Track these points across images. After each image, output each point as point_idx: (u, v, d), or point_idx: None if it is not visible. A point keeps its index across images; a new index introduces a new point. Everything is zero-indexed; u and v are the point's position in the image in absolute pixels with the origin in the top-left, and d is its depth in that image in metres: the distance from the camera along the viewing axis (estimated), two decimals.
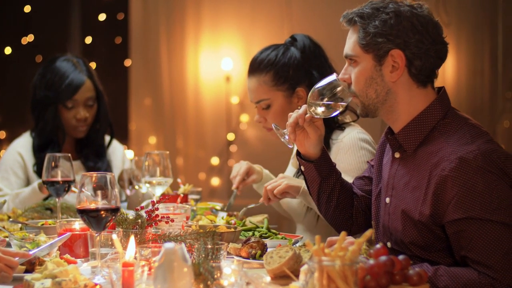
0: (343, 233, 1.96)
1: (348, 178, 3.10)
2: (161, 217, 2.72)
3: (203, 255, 2.34)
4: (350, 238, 2.63)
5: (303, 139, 2.83)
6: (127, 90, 6.93)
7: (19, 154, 4.25)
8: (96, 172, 2.42)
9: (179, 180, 4.03)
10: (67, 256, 2.61)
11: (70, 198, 3.79)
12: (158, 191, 3.50)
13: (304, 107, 2.75)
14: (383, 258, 1.96)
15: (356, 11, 2.53)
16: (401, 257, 2.00)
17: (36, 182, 3.90)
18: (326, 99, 2.66)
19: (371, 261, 1.96)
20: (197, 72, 6.84)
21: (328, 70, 3.47)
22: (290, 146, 2.92)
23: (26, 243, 2.71)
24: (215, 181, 6.92)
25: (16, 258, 2.41)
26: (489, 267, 2.28)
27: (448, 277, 2.31)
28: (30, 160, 4.24)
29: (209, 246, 2.40)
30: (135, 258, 2.21)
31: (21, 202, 3.82)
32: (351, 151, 3.35)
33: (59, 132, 4.27)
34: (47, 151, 4.07)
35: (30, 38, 6.81)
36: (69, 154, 3.38)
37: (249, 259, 2.71)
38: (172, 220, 2.74)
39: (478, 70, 6.58)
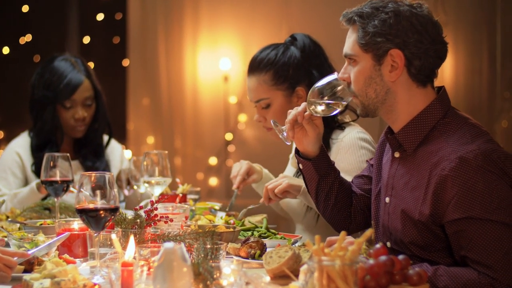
0: (342, 233, 1.96)
1: (348, 177, 3.09)
2: (160, 217, 2.72)
3: (202, 255, 2.34)
4: (350, 238, 2.63)
5: (302, 137, 2.83)
6: (125, 90, 6.93)
7: (17, 154, 4.24)
8: (95, 172, 2.42)
9: (177, 180, 4.03)
10: (66, 256, 2.61)
11: (68, 198, 3.79)
12: (157, 191, 3.50)
13: (303, 104, 2.75)
14: (383, 258, 1.95)
15: (356, 10, 2.53)
16: (401, 257, 2.00)
17: (34, 182, 3.89)
18: (326, 98, 2.66)
19: (371, 261, 1.96)
20: (195, 72, 6.84)
21: (328, 69, 3.47)
22: (288, 143, 2.92)
23: (25, 243, 2.70)
24: (213, 181, 6.92)
25: (15, 258, 2.40)
26: (489, 267, 2.28)
27: (448, 277, 2.30)
28: (28, 160, 4.24)
29: (208, 246, 2.40)
30: (134, 258, 2.21)
31: (19, 202, 3.81)
32: (351, 151, 3.35)
33: (58, 131, 4.26)
34: (46, 151, 4.07)
35: (28, 38, 6.80)
36: (68, 154, 3.38)
37: (248, 259, 2.71)
38: (171, 220, 2.74)
39: (476, 69, 6.58)
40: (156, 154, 3.51)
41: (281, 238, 3.09)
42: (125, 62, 6.97)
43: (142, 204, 3.40)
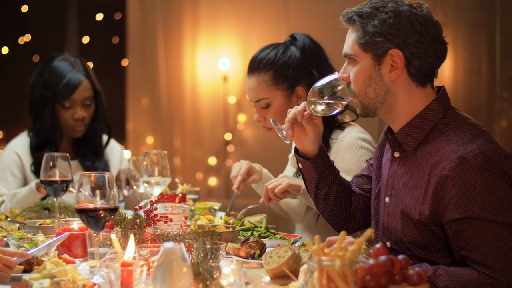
0: (342, 232, 1.96)
1: (348, 177, 3.09)
2: (160, 217, 2.71)
3: (202, 255, 2.34)
4: (350, 238, 2.63)
5: (301, 136, 2.83)
6: (124, 90, 6.92)
7: (17, 154, 4.24)
8: (94, 172, 2.42)
9: (177, 180, 4.03)
10: (66, 256, 2.61)
11: (67, 198, 3.79)
12: (156, 191, 3.50)
13: (303, 103, 2.75)
14: (382, 258, 1.95)
15: (356, 10, 2.53)
16: (400, 257, 2.00)
17: (33, 182, 3.89)
18: (326, 97, 2.66)
19: (371, 261, 1.96)
20: (194, 72, 6.84)
21: (328, 69, 3.46)
22: (287, 142, 2.92)
23: (24, 243, 2.70)
24: (213, 181, 6.92)
25: (15, 258, 2.40)
26: (489, 267, 2.28)
27: (448, 277, 2.30)
28: (27, 160, 4.24)
29: (208, 246, 2.40)
30: (134, 258, 2.20)
31: (19, 202, 3.81)
32: (351, 151, 3.35)
33: (57, 131, 4.26)
34: (45, 150, 4.06)
35: (27, 37, 6.80)
36: (67, 154, 3.37)
37: (248, 259, 2.71)
38: (171, 220, 2.74)
39: (475, 70, 6.58)
40: (155, 154, 3.51)
41: (280, 238, 3.09)
42: (124, 62, 6.97)
43: (141, 204, 3.39)
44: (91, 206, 2.40)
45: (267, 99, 3.52)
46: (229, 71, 6.77)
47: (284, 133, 2.85)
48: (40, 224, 3.25)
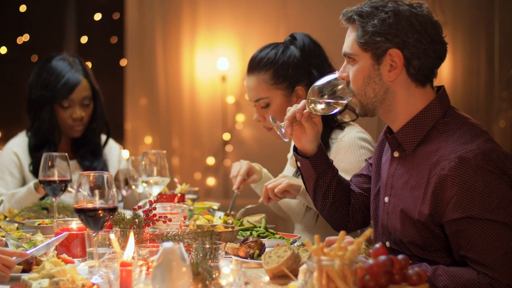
0: (342, 232, 1.96)
1: (348, 177, 3.09)
2: (159, 217, 2.71)
3: (201, 255, 2.34)
4: (349, 238, 2.63)
5: (300, 134, 2.83)
6: (123, 90, 6.92)
7: (15, 154, 4.23)
8: (93, 172, 2.41)
9: (176, 180, 4.03)
10: (64, 255, 2.60)
11: (66, 198, 3.79)
12: (155, 191, 3.50)
13: (303, 102, 2.75)
14: (382, 257, 1.95)
15: (356, 9, 2.53)
16: (400, 256, 2.00)
17: (32, 182, 3.88)
18: (326, 96, 2.66)
19: (370, 261, 1.96)
20: (192, 72, 6.84)
21: (327, 69, 3.46)
22: (286, 140, 2.91)
23: (23, 242, 2.70)
24: (211, 181, 6.92)
25: (14, 258, 2.40)
26: (489, 267, 2.28)
27: (447, 277, 2.30)
28: (26, 159, 4.23)
29: (207, 246, 2.39)
30: (133, 257, 2.20)
31: (17, 202, 3.80)
32: (351, 150, 3.35)
33: (55, 131, 4.25)
34: (43, 150, 4.06)
35: (25, 37, 6.80)
36: (66, 154, 3.37)
37: (247, 258, 2.70)
38: (170, 220, 2.74)
39: (474, 70, 6.59)
40: (154, 154, 3.51)
41: (279, 238, 3.08)
42: (123, 62, 6.97)
43: (140, 203, 3.39)
44: (90, 206, 2.39)
45: (266, 99, 3.51)
46: (228, 71, 6.77)
47: (283, 131, 2.85)
48: (39, 224, 3.24)
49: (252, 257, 2.70)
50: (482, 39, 6.50)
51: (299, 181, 3.16)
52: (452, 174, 2.32)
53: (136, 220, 2.68)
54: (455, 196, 2.32)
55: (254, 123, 3.65)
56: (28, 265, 2.49)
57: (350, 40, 2.55)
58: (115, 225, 2.69)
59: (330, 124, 3.45)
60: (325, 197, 2.92)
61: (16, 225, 3.27)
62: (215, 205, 3.89)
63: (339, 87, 2.64)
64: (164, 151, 3.55)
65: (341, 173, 2.99)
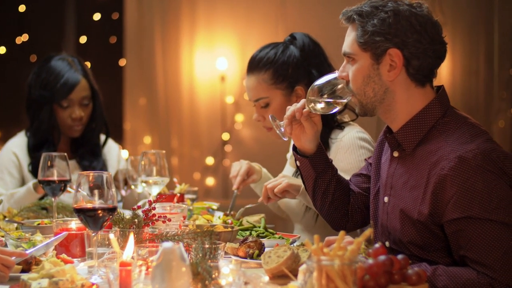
0: (341, 232, 1.95)
1: (348, 177, 3.08)
2: (158, 217, 2.71)
3: (201, 255, 2.34)
4: (349, 238, 2.63)
5: (299, 133, 2.83)
6: (122, 89, 6.92)
7: (14, 154, 4.23)
8: (93, 172, 2.41)
9: (175, 180, 4.03)
10: (64, 255, 2.60)
11: (65, 197, 3.78)
12: (155, 191, 3.50)
13: (303, 101, 2.75)
14: (382, 257, 1.95)
15: (355, 9, 2.53)
16: (400, 256, 2.00)
17: (31, 182, 3.88)
18: (325, 96, 2.66)
19: (370, 261, 1.96)
20: (192, 72, 6.84)
21: (327, 68, 3.46)
22: (285, 139, 2.91)
23: (22, 242, 2.70)
24: (210, 181, 6.91)
25: (13, 258, 2.40)
26: (488, 267, 2.28)
27: (447, 276, 2.30)
28: (25, 159, 4.23)
29: (207, 246, 2.39)
30: (133, 257, 2.20)
31: (16, 202, 3.80)
32: (351, 150, 3.35)
33: (55, 131, 4.25)
34: (42, 150, 4.05)
35: (24, 37, 6.79)
36: (65, 154, 3.37)
37: (246, 258, 2.70)
38: (169, 220, 2.74)
39: (473, 70, 6.59)
40: (153, 154, 3.51)
41: (279, 238, 3.08)
42: (122, 62, 6.97)
43: (140, 203, 3.39)
44: (89, 205, 2.39)
45: (266, 99, 3.51)
46: (227, 71, 6.76)
47: (283, 129, 2.85)
48: (38, 224, 3.24)
49: (251, 257, 2.70)
50: (481, 39, 6.50)
51: (299, 181, 3.16)
52: (451, 174, 2.32)
53: (136, 220, 2.67)
54: (454, 196, 2.32)
55: (253, 123, 3.65)
56: (28, 265, 2.49)
57: (349, 39, 2.55)
58: (115, 225, 2.68)
59: (330, 124, 3.44)
60: (324, 197, 2.92)
61: (15, 225, 3.27)
62: (215, 205, 3.89)
63: (339, 86, 2.64)
64: (164, 151, 3.55)
65: (340, 173, 2.98)
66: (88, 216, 2.40)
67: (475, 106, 6.57)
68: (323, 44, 3.61)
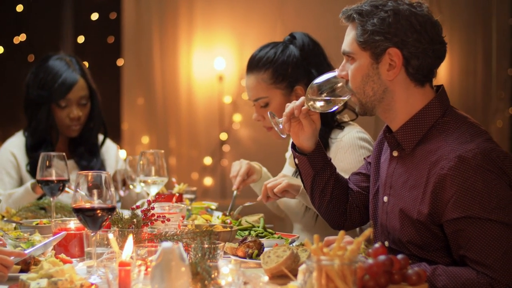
0: (341, 232, 1.95)
1: (348, 177, 3.08)
2: (157, 216, 2.71)
3: (200, 255, 2.33)
4: (348, 237, 2.62)
5: (298, 131, 2.83)
6: (120, 89, 6.91)
7: (12, 154, 4.22)
8: (91, 171, 2.41)
9: (173, 180, 4.02)
10: (63, 255, 2.59)
11: (64, 197, 3.78)
12: (153, 191, 3.49)
13: (302, 98, 2.75)
14: (382, 257, 1.95)
15: (355, 8, 2.52)
16: (400, 256, 1.99)
17: (29, 182, 3.88)
18: (324, 94, 2.66)
19: (370, 261, 1.95)
20: (189, 72, 6.83)
21: (327, 68, 3.45)
22: (283, 136, 2.91)
23: (21, 242, 2.69)
24: (208, 181, 6.91)
25: (12, 258, 2.39)
26: (488, 267, 2.28)
27: (447, 276, 2.30)
28: (23, 159, 4.22)
29: (206, 246, 2.39)
30: (132, 257, 2.19)
31: (14, 202, 3.80)
32: (351, 150, 3.34)
33: (53, 131, 4.24)
34: (41, 150, 4.04)
35: (22, 37, 6.78)
36: (63, 153, 3.36)
37: (246, 258, 2.70)
38: (168, 220, 2.73)
39: (471, 69, 6.59)
40: (152, 154, 3.51)
41: (278, 237, 3.08)
42: (120, 62, 6.96)
43: (138, 203, 3.38)
44: (88, 205, 2.39)
45: (266, 98, 3.51)
46: (225, 70, 6.76)
47: (281, 126, 2.85)
48: (37, 223, 3.23)
49: (251, 257, 2.70)
50: (479, 39, 6.51)
51: (299, 181, 3.15)
52: (451, 173, 2.32)
53: (135, 220, 2.67)
54: (454, 195, 2.31)
55: (251, 123, 3.64)
56: (26, 265, 2.49)
57: (349, 38, 2.55)
58: (114, 225, 2.68)
59: (330, 124, 3.44)
60: (322, 195, 2.91)
61: (14, 225, 3.26)
62: (213, 205, 3.89)
63: (338, 85, 2.64)
64: (162, 151, 3.55)
65: (340, 172, 2.98)
66: (87, 215, 2.39)
67: (473, 106, 6.58)
68: (322, 44, 3.60)
